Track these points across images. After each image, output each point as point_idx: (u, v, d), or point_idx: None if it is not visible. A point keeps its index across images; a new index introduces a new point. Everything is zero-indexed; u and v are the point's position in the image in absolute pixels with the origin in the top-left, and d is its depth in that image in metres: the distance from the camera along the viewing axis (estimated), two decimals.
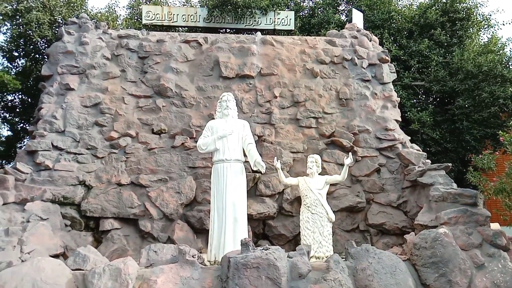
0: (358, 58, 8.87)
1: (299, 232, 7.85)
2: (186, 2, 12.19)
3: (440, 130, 10.76)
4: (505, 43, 11.54)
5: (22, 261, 5.62)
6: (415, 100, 11.55)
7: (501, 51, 11.04)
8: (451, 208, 6.68)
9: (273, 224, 7.80)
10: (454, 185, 7.22)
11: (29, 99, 10.63)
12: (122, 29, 8.97)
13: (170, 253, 5.81)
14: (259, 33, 8.95)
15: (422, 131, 10.57)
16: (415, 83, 11.37)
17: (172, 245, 5.97)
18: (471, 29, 12.12)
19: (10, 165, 7.29)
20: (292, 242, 7.81)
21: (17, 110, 11.11)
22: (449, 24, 11.89)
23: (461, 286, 5.64)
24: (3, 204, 6.67)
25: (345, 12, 12.33)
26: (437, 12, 11.79)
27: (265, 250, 5.46)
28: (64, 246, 6.68)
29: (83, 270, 5.46)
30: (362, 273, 5.49)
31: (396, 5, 12.77)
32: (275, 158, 7.07)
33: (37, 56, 9.78)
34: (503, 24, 12.50)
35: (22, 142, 11.03)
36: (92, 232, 7.35)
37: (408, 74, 11.38)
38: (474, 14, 11.97)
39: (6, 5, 8.14)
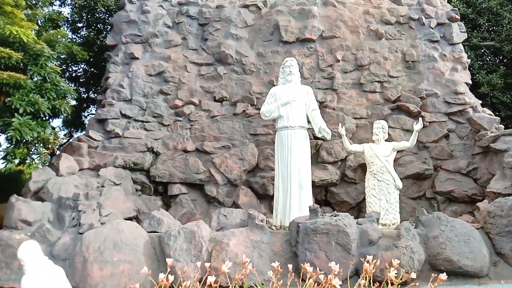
0: (425, 18, 8.34)
1: (362, 199, 7.80)
2: None
3: (511, 94, 10.04)
4: None
5: (102, 223, 5.99)
6: (484, 62, 10.79)
7: None
8: None
9: (336, 191, 7.75)
10: None
11: (93, 69, 11.02)
12: None
13: (239, 217, 5.96)
14: None
15: (491, 94, 9.93)
16: (484, 43, 10.59)
17: (241, 209, 6.12)
18: None
19: (83, 133, 7.68)
20: (355, 209, 7.75)
21: (81, 80, 11.58)
22: None
23: None
24: (79, 170, 7.08)
25: None
26: None
27: (334, 216, 5.46)
28: (137, 210, 7.03)
29: (158, 232, 5.73)
30: (434, 240, 5.37)
31: None
32: (340, 124, 6.94)
33: (99, 26, 10.04)
34: None
35: (88, 111, 11.56)
36: (161, 196, 7.67)
37: (476, 34, 10.61)
38: None
39: None
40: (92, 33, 10.05)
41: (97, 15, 9.13)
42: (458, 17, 8.45)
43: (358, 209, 7.72)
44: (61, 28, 9.21)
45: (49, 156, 7.11)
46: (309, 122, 6.80)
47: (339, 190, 7.76)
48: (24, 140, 6.16)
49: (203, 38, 8.31)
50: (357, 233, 5.35)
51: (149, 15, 8.29)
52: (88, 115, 11.37)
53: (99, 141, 7.55)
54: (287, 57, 8.04)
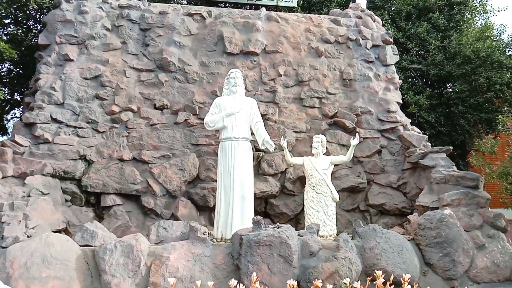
0: (362, 39, 8.81)
1: (300, 211, 7.95)
2: None
3: (435, 114, 10.91)
4: (502, 29, 11.67)
5: (28, 236, 5.49)
6: (412, 83, 11.63)
7: (498, 37, 11.16)
8: (452, 190, 6.83)
9: (275, 203, 7.82)
10: (455, 168, 7.37)
11: (18, 69, 10.18)
12: None
13: (179, 230, 5.77)
14: (263, 8, 8.74)
15: (418, 114, 10.70)
16: (412, 66, 11.43)
17: (182, 222, 5.94)
18: (467, 14, 12.21)
19: (7, 138, 7.02)
20: (293, 220, 7.86)
21: (4, 80, 10.65)
22: (447, 8, 11.93)
23: (463, 266, 5.84)
24: (2, 178, 6.46)
25: None
26: None
27: (277, 228, 5.48)
28: (66, 222, 6.55)
29: (91, 246, 5.37)
30: (370, 252, 5.59)
31: None
32: (282, 137, 7.05)
33: (30, 24, 9.29)
34: (498, 11, 12.63)
35: (12, 114, 10.62)
36: (93, 207, 7.21)
37: (406, 57, 11.42)
38: None
39: None
40: (20, 31, 9.27)
41: (28, 12, 8.42)
42: (391, 40, 9.02)
43: (296, 220, 7.84)
44: None
45: None
46: (252, 134, 6.83)
47: (278, 202, 7.84)
48: None
49: (144, 43, 8.05)
50: (298, 244, 5.41)
51: (86, 16, 7.85)
52: (11, 118, 10.44)
53: (25, 146, 6.94)
54: (231, 68, 8.05)
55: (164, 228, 5.75)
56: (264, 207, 7.89)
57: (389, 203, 7.83)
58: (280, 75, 8.28)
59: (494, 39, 10.87)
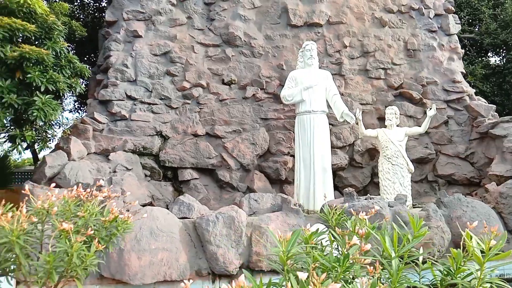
0: (425, 8, 8.63)
1: (368, 183, 8.02)
2: None
3: (489, 84, 10.75)
4: None
5: (127, 210, 5.65)
6: (465, 53, 11.41)
7: None
8: None
9: (344, 175, 7.89)
10: None
11: (80, 47, 10.11)
12: None
13: (269, 202, 5.90)
14: None
15: (473, 84, 10.55)
16: (464, 35, 11.19)
17: (271, 194, 6.04)
18: None
19: (85, 115, 7.11)
20: (361, 192, 7.93)
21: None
22: None
23: None
24: (87, 155, 6.61)
25: None
26: None
27: (370, 199, 5.57)
28: (151, 196, 6.71)
29: (188, 218, 5.52)
30: (458, 220, 5.65)
31: None
32: (357, 109, 7.04)
33: (85, 1, 9.24)
34: None
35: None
36: (171, 182, 7.37)
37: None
38: None
39: None
40: (77, 8, 9.23)
41: None
42: (453, 8, 8.83)
43: (364, 192, 7.90)
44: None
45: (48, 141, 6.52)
46: (328, 107, 6.84)
47: (347, 174, 7.90)
48: (32, 121, 5.62)
49: (209, 18, 8.00)
50: (390, 215, 5.50)
51: None
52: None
53: (104, 123, 7.06)
54: (295, 41, 8.01)
55: (255, 200, 5.88)
56: (333, 179, 7.95)
57: (458, 173, 7.85)
58: (346, 47, 8.20)
59: None
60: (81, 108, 11.29)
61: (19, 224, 2.82)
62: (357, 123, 7.02)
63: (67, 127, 5.96)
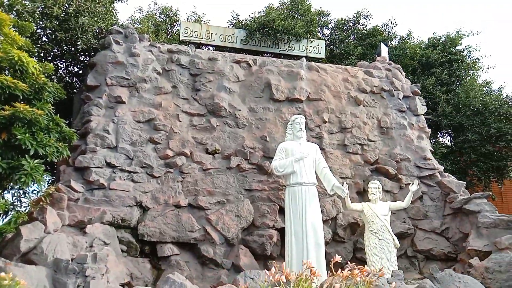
0: (394, 90, 9.27)
1: (351, 257, 7.89)
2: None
3: (447, 162, 11.45)
4: (503, 85, 12.73)
5: None
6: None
7: (498, 92, 12.15)
8: (503, 234, 7.12)
9: (327, 250, 7.68)
10: (497, 212, 7.72)
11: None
12: (167, 43, 8.59)
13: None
14: (304, 59, 9.04)
15: None
16: (425, 116, 12.06)
17: (267, 271, 5.69)
18: (463, 71, 13.23)
19: (59, 183, 6.50)
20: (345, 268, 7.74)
21: None
22: (447, 64, 12.88)
23: None
24: (61, 227, 5.96)
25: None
26: (438, 52, 12.75)
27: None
28: (129, 274, 6.08)
29: None
30: None
31: (408, 42, 13.52)
32: (344, 183, 7.10)
33: (66, 64, 8.85)
34: (488, 68, 13.83)
35: None
36: (148, 258, 6.76)
37: None
38: (466, 56, 13.14)
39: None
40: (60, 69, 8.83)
41: (73, 52, 8.04)
42: (419, 91, 9.57)
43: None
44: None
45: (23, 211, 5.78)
46: (317, 179, 6.85)
47: (330, 249, 7.73)
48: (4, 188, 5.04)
49: (195, 88, 8.00)
50: None
51: (138, 59, 7.73)
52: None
53: (80, 192, 6.50)
54: (277, 114, 8.18)
55: (251, 278, 5.49)
56: None
57: (436, 248, 7.98)
58: (325, 122, 8.47)
59: (496, 94, 11.78)
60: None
61: None
62: (344, 197, 7.05)
63: (39, 195, 5.38)
